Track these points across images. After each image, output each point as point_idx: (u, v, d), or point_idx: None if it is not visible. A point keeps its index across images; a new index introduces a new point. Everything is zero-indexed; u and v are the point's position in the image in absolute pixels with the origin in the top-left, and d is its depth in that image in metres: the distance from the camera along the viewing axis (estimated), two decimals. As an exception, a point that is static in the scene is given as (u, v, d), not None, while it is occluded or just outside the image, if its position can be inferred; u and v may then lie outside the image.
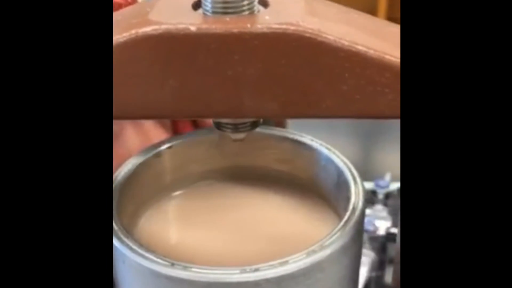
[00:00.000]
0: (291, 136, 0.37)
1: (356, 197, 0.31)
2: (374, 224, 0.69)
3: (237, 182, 0.38)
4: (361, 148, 0.91)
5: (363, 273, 0.65)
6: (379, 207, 0.72)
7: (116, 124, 0.41)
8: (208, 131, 0.37)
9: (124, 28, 0.25)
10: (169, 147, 0.37)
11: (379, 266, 0.68)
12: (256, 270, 0.27)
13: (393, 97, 0.25)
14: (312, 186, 0.36)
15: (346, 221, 0.30)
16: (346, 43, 0.25)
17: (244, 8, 0.26)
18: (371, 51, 0.25)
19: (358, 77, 0.25)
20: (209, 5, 0.25)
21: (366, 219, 0.67)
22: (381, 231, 0.69)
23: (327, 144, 0.36)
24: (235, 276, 0.27)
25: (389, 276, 0.67)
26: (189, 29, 0.24)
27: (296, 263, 0.27)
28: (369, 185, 0.73)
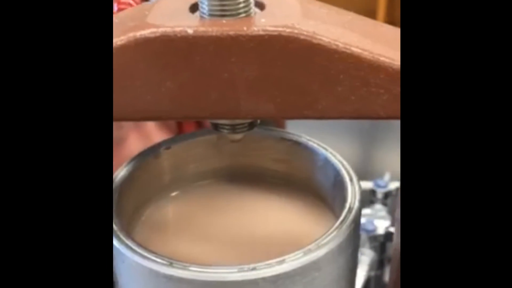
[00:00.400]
0: (288, 136, 0.37)
1: (352, 196, 0.32)
2: (373, 224, 0.69)
3: (235, 182, 0.38)
4: (360, 148, 0.91)
5: (363, 272, 0.66)
6: (378, 206, 0.73)
7: (120, 129, 0.42)
8: (206, 131, 0.38)
9: (122, 31, 0.25)
10: (168, 148, 0.37)
11: (378, 265, 0.68)
12: (254, 269, 0.27)
13: (387, 98, 0.26)
14: (309, 186, 0.37)
15: (342, 221, 0.30)
16: (341, 45, 0.25)
17: (241, 10, 0.26)
18: (366, 53, 0.25)
19: (353, 78, 0.25)
20: (206, 8, 0.26)
21: (365, 219, 0.67)
22: (380, 231, 0.69)
23: (325, 144, 0.36)
24: (233, 275, 0.27)
25: (389, 275, 0.67)
26: (186, 31, 0.25)
27: (292, 262, 0.27)
28: (368, 184, 0.73)
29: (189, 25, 0.25)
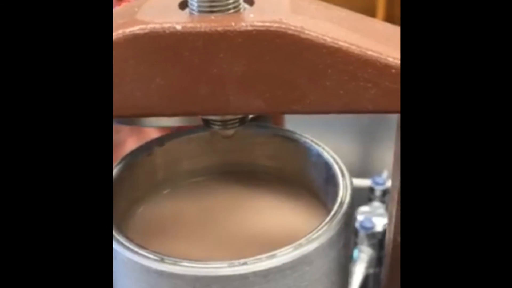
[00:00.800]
0: (281, 132, 0.37)
1: (343, 191, 0.32)
2: (371, 221, 0.69)
3: (228, 179, 0.39)
4: (358, 145, 0.91)
5: (361, 269, 0.66)
6: (376, 204, 0.73)
7: (118, 133, 0.42)
8: (199, 129, 0.38)
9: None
10: (161, 145, 0.37)
11: (377, 263, 0.68)
12: (244, 263, 0.27)
13: (376, 92, 0.26)
14: (302, 182, 0.37)
15: (334, 215, 0.30)
16: (329, 40, 0.25)
17: (230, 6, 0.26)
18: (353, 47, 0.25)
19: (341, 72, 0.25)
20: (195, 4, 0.26)
21: (363, 216, 0.67)
22: (379, 228, 0.69)
23: (320, 141, 0.36)
24: (223, 269, 0.27)
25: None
26: (174, 28, 0.25)
27: (283, 256, 0.28)
28: (366, 182, 0.73)
29: (178, 21, 0.25)
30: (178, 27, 0.25)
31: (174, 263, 0.28)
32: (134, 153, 0.36)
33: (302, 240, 0.28)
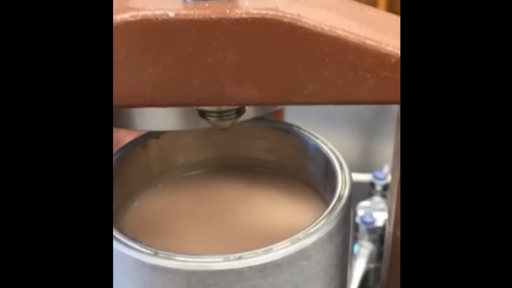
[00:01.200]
0: (278, 125, 0.37)
1: (342, 184, 0.31)
2: (372, 216, 0.69)
3: (225, 172, 0.38)
4: (359, 140, 0.90)
5: (362, 265, 0.65)
6: (377, 198, 0.72)
7: (117, 132, 0.41)
8: None
9: (103, 15, 0.25)
10: (157, 138, 0.36)
11: (377, 258, 0.68)
12: (240, 258, 0.27)
13: (374, 83, 0.25)
14: (300, 175, 0.36)
15: (332, 209, 0.29)
16: (327, 28, 0.24)
17: (224, -6, 0.25)
18: (352, 36, 0.24)
19: (339, 62, 0.25)
20: (189, -9, 0.25)
21: (364, 211, 0.66)
22: (379, 223, 0.68)
23: (318, 134, 0.36)
24: (218, 264, 0.26)
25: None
26: (167, 15, 0.24)
27: (280, 251, 0.27)
28: (367, 176, 0.73)
29: (171, 8, 0.24)
30: (171, 14, 0.24)
31: (168, 257, 0.27)
32: (128, 146, 0.35)
33: (300, 234, 0.28)
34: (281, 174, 0.37)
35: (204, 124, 0.30)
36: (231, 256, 0.27)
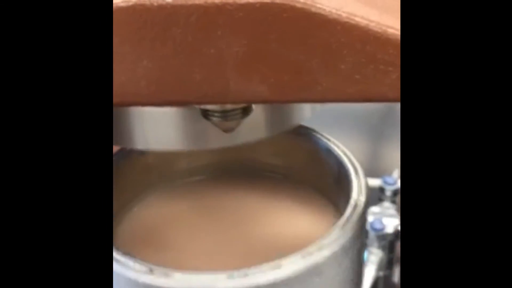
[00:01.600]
0: None
1: (357, 191, 0.28)
2: (381, 222, 0.67)
3: (228, 178, 0.35)
4: (367, 144, 0.88)
5: (371, 272, 0.63)
6: (387, 204, 0.70)
7: None
8: None
9: (92, 1, 0.22)
10: None
11: (387, 265, 0.66)
12: (245, 275, 0.24)
13: (397, 77, 0.22)
14: (310, 181, 0.34)
15: (347, 219, 0.27)
16: (344, 15, 0.22)
17: (229, -23, 0.23)
18: (373, 24, 0.22)
19: (358, 54, 0.22)
20: (189, -26, 0.22)
21: (373, 217, 0.64)
22: (389, 229, 0.67)
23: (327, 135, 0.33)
24: (222, 282, 0.24)
25: (398, 275, 0.65)
26: (164, 0, 0.21)
27: (289, 266, 0.24)
28: (376, 182, 0.71)
29: (168, -8, 0.22)
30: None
31: (165, 275, 0.24)
32: (125, 151, 0.33)
33: (311, 248, 0.25)
34: (289, 180, 0.35)
35: (213, 144, 0.27)
36: (235, 274, 0.24)
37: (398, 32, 0.22)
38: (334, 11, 0.22)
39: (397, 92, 0.23)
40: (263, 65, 0.22)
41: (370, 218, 0.62)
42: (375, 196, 0.69)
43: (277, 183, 0.35)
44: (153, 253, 0.30)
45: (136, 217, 0.33)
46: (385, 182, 0.72)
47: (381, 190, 0.72)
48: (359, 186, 0.29)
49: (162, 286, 0.24)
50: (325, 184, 0.33)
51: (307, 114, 0.29)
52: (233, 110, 0.26)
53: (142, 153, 0.34)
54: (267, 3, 0.21)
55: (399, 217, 0.68)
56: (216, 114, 0.26)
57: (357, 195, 0.28)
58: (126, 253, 0.25)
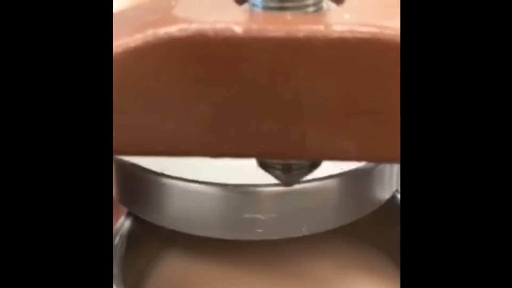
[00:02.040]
0: None
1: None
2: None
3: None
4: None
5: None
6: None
7: None
8: None
9: (137, 28, 0.18)
10: None
11: None
12: None
13: None
14: (372, 236, 0.29)
15: None
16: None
17: (309, 2, 0.18)
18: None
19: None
20: (260, -3, 0.18)
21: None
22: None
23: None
24: None
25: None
26: (232, 30, 0.17)
27: None
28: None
29: (237, 20, 0.17)
30: (238, 30, 0.17)
31: None
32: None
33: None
34: (346, 234, 0.30)
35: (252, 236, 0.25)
36: None
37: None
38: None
39: None
40: (353, 116, 0.18)
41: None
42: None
43: (332, 239, 0.30)
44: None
45: (162, 273, 0.29)
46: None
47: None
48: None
49: None
50: (388, 241, 0.29)
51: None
52: (298, 164, 0.22)
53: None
54: (367, 40, 0.17)
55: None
56: (278, 167, 0.22)
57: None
58: None
